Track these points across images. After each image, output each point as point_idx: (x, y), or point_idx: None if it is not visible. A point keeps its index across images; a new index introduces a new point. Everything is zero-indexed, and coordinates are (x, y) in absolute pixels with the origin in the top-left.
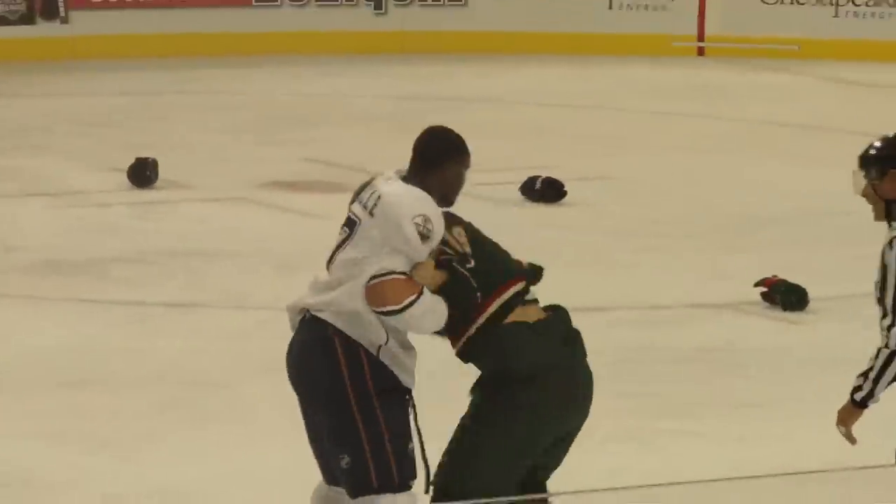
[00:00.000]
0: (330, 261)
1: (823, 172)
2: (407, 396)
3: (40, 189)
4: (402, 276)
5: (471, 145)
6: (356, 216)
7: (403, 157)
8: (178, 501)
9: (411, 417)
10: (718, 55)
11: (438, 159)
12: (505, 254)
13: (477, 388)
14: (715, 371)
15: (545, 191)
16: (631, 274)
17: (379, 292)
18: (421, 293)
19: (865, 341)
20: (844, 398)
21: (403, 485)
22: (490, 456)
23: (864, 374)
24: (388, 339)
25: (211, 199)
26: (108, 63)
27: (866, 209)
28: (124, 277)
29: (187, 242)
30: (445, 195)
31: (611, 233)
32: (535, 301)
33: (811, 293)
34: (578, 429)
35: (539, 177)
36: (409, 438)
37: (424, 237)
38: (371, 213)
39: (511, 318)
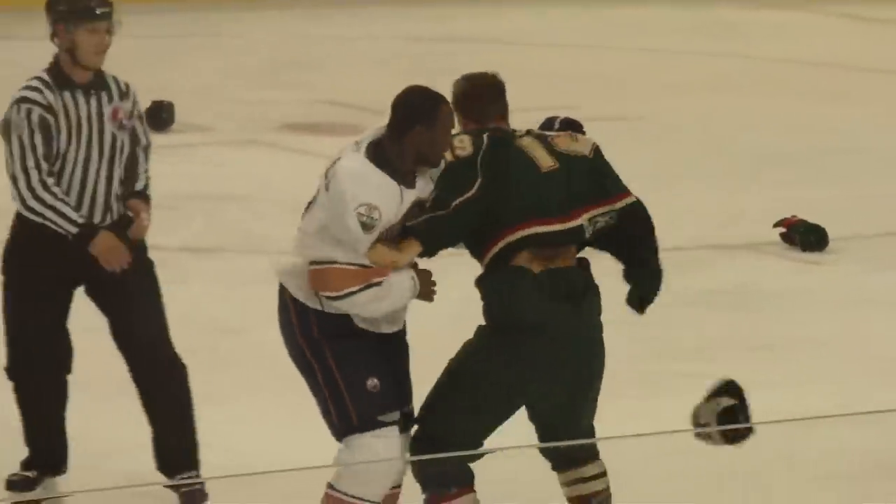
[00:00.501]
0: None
1: (840, 110)
2: (369, 338)
3: None
4: (344, 266)
5: None
6: (319, 184)
7: None
8: (201, 447)
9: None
10: None
11: (408, 122)
12: (551, 190)
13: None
14: (732, 313)
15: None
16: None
17: (319, 278)
18: (366, 286)
19: (885, 281)
20: (865, 340)
21: (367, 424)
22: (458, 401)
23: None
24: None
25: (226, 142)
26: (124, 7)
27: (886, 148)
28: None
29: (204, 186)
30: (424, 156)
31: (625, 174)
32: (562, 249)
33: (831, 233)
34: (585, 392)
35: (557, 117)
36: (367, 376)
37: (367, 227)
38: (326, 188)
39: (518, 261)
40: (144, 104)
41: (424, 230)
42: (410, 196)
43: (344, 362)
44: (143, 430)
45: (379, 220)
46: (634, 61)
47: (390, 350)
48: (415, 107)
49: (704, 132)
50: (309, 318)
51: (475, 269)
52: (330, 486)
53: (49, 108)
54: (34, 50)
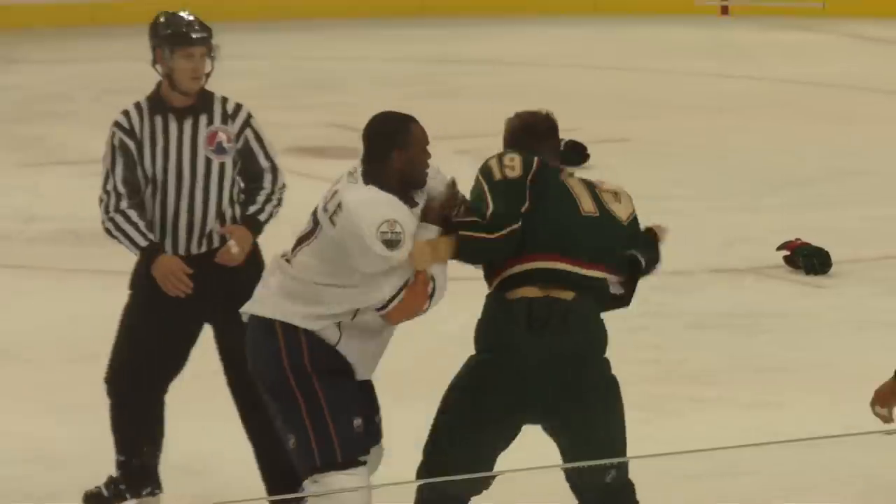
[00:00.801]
0: (294, 249)
1: (847, 131)
2: (352, 375)
3: (62, 158)
4: (403, 302)
5: (491, 108)
6: (319, 217)
7: (425, 121)
8: (200, 471)
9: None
10: (742, 14)
11: (384, 149)
12: (585, 234)
13: None
14: (737, 336)
15: (568, 154)
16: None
17: (397, 317)
18: (430, 297)
19: (889, 304)
20: (868, 362)
21: (348, 462)
22: (439, 425)
23: None
24: (340, 338)
25: None
26: (129, 28)
27: (891, 170)
28: None
29: None
30: (407, 178)
31: (632, 196)
32: (570, 284)
33: (834, 256)
34: (576, 426)
35: (562, 140)
36: (355, 415)
37: (393, 244)
38: (332, 222)
39: (524, 290)
40: None
41: (470, 246)
42: (416, 213)
43: (333, 398)
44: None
45: (403, 233)
46: (642, 82)
47: (366, 386)
48: (387, 133)
49: (711, 153)
50: (301, 347)
51: (482, 291)
52: None
53: (131, 132)
54: (40, 74)
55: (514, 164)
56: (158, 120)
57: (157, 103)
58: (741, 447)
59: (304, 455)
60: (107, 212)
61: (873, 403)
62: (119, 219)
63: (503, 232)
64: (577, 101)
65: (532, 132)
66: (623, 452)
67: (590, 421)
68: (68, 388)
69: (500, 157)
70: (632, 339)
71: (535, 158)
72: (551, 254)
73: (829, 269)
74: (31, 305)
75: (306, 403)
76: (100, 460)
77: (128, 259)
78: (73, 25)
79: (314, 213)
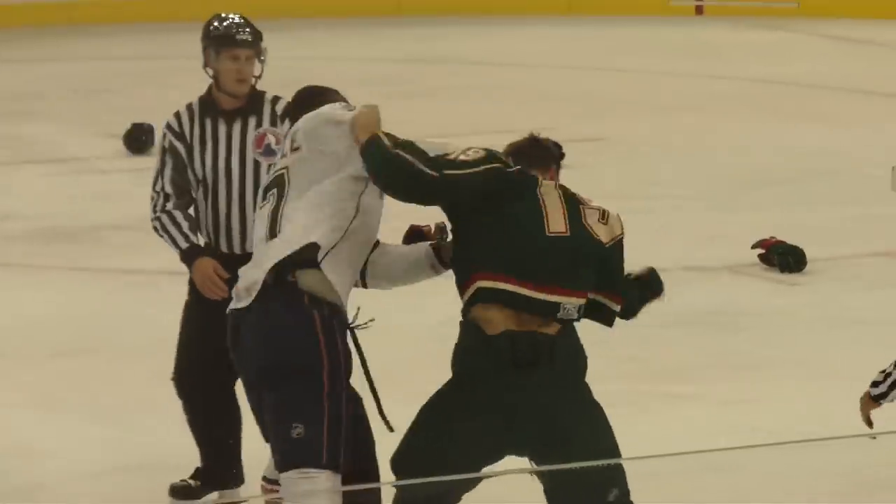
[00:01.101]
0: (272, 232)
1: (822, 131)
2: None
3: (35, 156)
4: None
5: (468, 108)
6: (284, 168)
7: (402, 120)
8: (178, 471)
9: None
10: (717, 14)
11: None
12: (546, 256)
13: None
14: (711, 334)
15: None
16: (626, 236)
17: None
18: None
19: (864, 302)
20: (842, 360)
21: (339, 468)
22: (408, 437)
23: (885, 374)
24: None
25: None
26: (107, 27)
27: (866, 169)
28: (122, 244)
29: None
30: None
31: (606, 195)
32: (538, 311)
33: (809, 254)
34: (559, 455)
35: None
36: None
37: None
38: (295, 148)
39: (489, 311)
40: (127, 127)
41: (376, 148)
42: None
43: (347, 402)
44: None
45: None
46: (619, 82)
47: None
48: (313, 96)
49: (685, 153)
50: (338, 342)
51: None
52: None
53: (181, 135)
54: (14, 73)
55: (474, 153)
56: (208, 122)
57: (207, 105)
58: (719, 451)
59: (305, 447)
60: (154, 211)
61: (861, 407)
62: (165, 219)
63: (424, 168)
64: (551, 100)
65: (519, 153)
66: (621, 472)
67: (581, 448)
68: (47, 382)
69: (465, 149)
70: (608, 336)
71: (508, 158)
72: (506, 276)
73: (803, 266)
74: (6, 303)
75: (330, 400)
76: (82, 453)
77: (101, 257)
78: (47, 25)
79: (267, 190)
